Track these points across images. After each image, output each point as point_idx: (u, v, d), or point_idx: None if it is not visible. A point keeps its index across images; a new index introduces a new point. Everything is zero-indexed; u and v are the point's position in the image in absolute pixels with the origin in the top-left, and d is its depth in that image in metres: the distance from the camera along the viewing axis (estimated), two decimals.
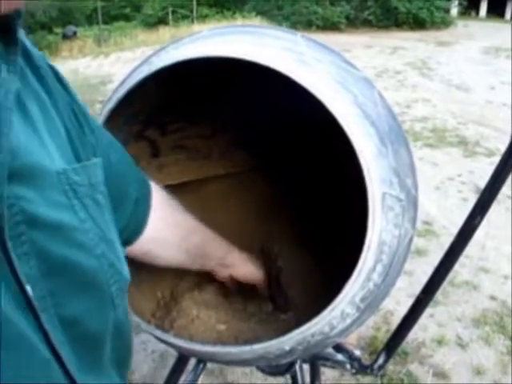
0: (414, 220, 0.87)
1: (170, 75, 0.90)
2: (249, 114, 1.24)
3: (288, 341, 0.80)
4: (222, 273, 1.06)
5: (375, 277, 0.79)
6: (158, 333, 0.89)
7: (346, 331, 0.86)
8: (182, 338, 0.90)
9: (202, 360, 1.44)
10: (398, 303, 2.90)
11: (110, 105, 0.87)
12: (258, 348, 0.81)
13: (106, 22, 20.20)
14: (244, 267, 1.08)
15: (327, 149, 1.12)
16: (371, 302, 0.83)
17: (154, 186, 0.85)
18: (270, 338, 0.81)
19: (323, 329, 0.80)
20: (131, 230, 0.77)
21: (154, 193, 0.83)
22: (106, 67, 11.30)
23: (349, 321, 0.82)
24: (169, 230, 0.88)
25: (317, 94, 0.73)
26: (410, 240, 0.88)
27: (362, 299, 0.80)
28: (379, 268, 0.79)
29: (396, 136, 0.84)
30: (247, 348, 0.81)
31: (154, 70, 0.82)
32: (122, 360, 0.64)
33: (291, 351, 0.84)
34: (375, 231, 0.74)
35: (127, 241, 0.78)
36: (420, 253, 3.60)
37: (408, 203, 0.83)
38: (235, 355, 0.86)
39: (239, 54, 0.77)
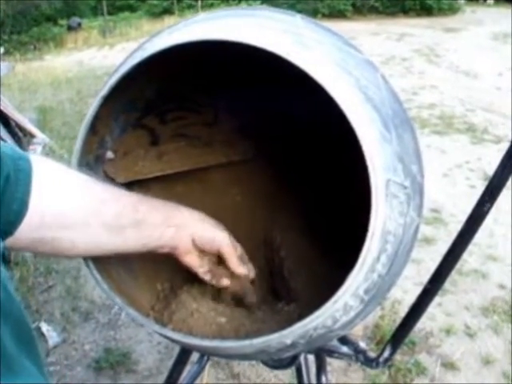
0: (420, 208, 0.84)
1: (171, 61, 0.87)
2: (250, 101, 1.22)
3: (289, 335, 0.77)
4: (181, 243, 0.89)
5: (379, 267, 0.76)
6: (156, 327, 0.86)
7: (349, 324, 0.83)
8: (181, 332, 0.88)
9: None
10: (406, 292, 2.88)
11: (103, 92, 0.84)
12: (259, 342, 0.78)
13: (110, 13, 20.16)
14: (201, 225, 0.91)
15: (330, 135, 1.09)
16: (376, 294, 0.80)
17: (44, 161, 0.75)
18: (272, 331, 0.78)
19: (326, 322, 0.77)
20: (8, 212, 0.67)
21: (42, 169, 0.72)
22: (111, 58, 11.30)
23: (352, 313, 0.79)
24: (67, 206, 0.75)
25: (316, 77, 0.70)
26: (417, 229, 0.84)
27: (366, 291, 0.77)
28: (384, 258, 0.76)
29: (401, 121, 0.81)
30: (247, 342, 0.78)
31: (147, 56, 0.79)
32: (26, 341, 0.61)
33: (293, 345, 0.81)
34: (378, 220, 0.71)
35: (9, 226, 0.68)
36: (428, 241, 3.58)
37: (413, 191, 0.80)
38: (235, 349, 0.83)
39: (235, 36, 0.74)
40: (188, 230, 0.90)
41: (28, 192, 0.68)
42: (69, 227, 0.75)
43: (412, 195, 0.79)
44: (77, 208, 0.76)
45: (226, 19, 0.90)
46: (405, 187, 0.77)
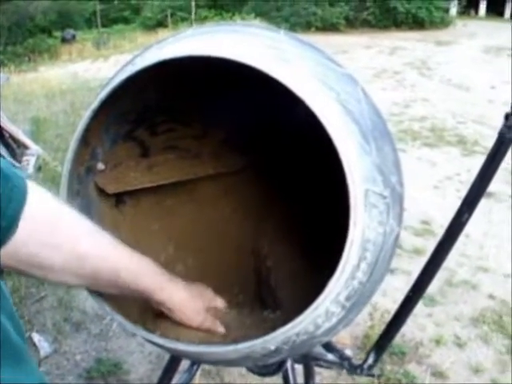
0: (399, 217, 0.87)
1: (160, 75, 0.90)
2: (239, 114, 1.24)
3: (272, 340, 0.79)
4: (150, 303, 0.92)
5: (360, 275, 0.79)
6: (144, 333, 0.88)
7: (332, 330, 0.85)
8: (167, 338, 0.90)
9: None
10: (396, 302, 2.87)
11: (94, 105, 0.86)
12: (243, 347, 0.80)
13: (105, 25, 20.27)
14: (178, 312, 0.93)
15: (315, 147, 1.11)
16: (357, 301, 0.83)
17: (41, 191, 0.71)
18: (257, 337, 0.81)
19: (308, 328, 0.80)
20: None
21: (37, 196, 0.69)
22: (105, 70, 11.32)
23: (334, 320, 0.82)
24: (49, 248, 0.72)
25: (297, 91, 0.73)
26: (396, 237, 0.87)
27: (347, 298, 0.80)
28: (364, 266, 0.78)
29: (380, 133, 0.84)
30: (231, 348, 0.81)
31: (136, 70, 0.82)
32: (22, 336, 0.64)
33: (277, 351, 0.83)
34: (357, 228, 0.74)
35: None
36: (418, 252, 3.60)
37: (393, 200, 0.83)
38: (220, 355, 0.86)
39: (220, 52, 0.76)
40: (161, 307, 0.92)
41: (19, 213, 0.65)
42: (44, 268, 0.73)
43: (391, 205, 0.82)
44: (55, 258, 0.73)
45: (213, 35, 0.93)
46: (384, 197, 0.80)
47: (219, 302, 1.04)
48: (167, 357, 1.70)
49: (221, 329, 0.99)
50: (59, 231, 0.73)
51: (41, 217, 0.70)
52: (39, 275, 0.75)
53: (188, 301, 0.94)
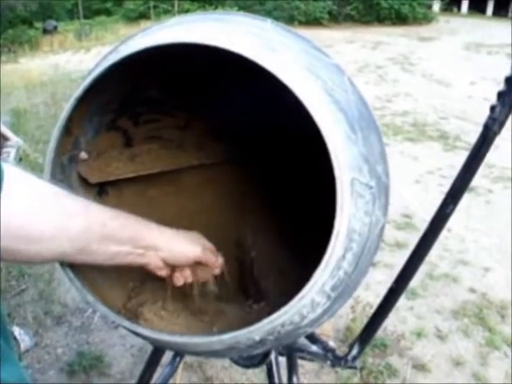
0: (385, 208, 0.87)
1: (144, 64, 0.89)
2: (223, 105, 1.23)
3: (257, 331, 0.79)
4: (151, 261, 0.89)
5: (345, 265, 0.78)
6: (127, 324, 0.87)
7: (317, 321, 0.85)
8: (151, 329, 0.89)
9: (179, 353, 1.44)
10: (378, 296, 2.89)
11: (77, 93, 0.85)
12: (227, 338, 0.80)
13: (87, 17, 20.09)
14: (170, 245, 0.90)
15: (300, 137, 1.11)
16: (342, 291, 0.82)
17: (15, 170, 0.71)
18: (241, 328, 0.80)
19: (293, 318, 0.79)
20: None
21: (12, 177, 0.69)
22: (86, 62, 11.22)
23: (319, 310, 0.81)
24: (34, 218, 0.71)
25: (284, 79, 0.72)
26: (382, 228, 0.87)
27: (333, 288, 0.79)
28: (349, 256, 0.78)
29: (366, 123, 0.84)
30: (216, 338, 0.80)
31: (120, 58, 0.81)
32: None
33: (262, 341, 0.83)
34: (344, 218, 0.74)
35: None
36: (400, 246, 3.62)
37: (379, 191, 0.83)
38: (205, 346, 0.85)
39: (205, 40, 0.75)
40: (157, 251, 0.88)
41: None
42: (33, 240, 0.72)
43: (377, 195, 0.82)
44: (43, 221, 0.73)
45: (198, 23, 0.92)
46: (370, 187, 0.79)
47: (212, 247, 1.01)
48: (149, 350, 1.69)
49: (220, 259, 0.99)
50: (41, 198, 0.73)
51: (21, 190, 0.70)
52: (32, 252, 0.73)
53: (180, 234, 0.92)
